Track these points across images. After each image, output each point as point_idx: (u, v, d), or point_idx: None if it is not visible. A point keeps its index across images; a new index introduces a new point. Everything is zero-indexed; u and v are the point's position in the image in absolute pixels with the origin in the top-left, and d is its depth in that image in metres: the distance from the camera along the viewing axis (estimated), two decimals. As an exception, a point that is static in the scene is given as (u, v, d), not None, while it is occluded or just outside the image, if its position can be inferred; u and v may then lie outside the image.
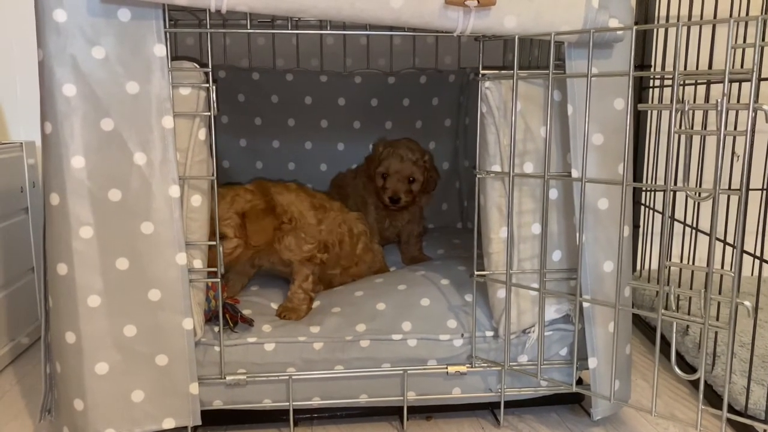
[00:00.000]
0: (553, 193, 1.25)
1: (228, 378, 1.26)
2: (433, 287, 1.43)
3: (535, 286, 1.24)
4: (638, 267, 1.96)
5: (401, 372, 1.29)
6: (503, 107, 1.22)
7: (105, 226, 1.14)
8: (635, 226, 1.94)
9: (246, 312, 1.38)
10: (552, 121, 1.19)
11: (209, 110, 1.18)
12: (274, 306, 1.44)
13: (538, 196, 1.24)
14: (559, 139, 1.24)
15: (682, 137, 1.14)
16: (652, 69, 1.88)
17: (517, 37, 1.14)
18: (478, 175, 1.26)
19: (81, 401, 1.18)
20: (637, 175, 1.92)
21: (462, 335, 1.31)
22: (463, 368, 1.29)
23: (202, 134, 1.19)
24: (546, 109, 1.19)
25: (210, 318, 1.31)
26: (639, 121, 1.94)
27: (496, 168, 1.24)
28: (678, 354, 1.61)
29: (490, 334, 1.32)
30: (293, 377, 1.27)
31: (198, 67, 1.18)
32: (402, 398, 1.30)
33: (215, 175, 1.22)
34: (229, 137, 1.97)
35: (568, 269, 1.27)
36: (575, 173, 1.18)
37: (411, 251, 1.81)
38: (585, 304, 1.22)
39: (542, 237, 1.22)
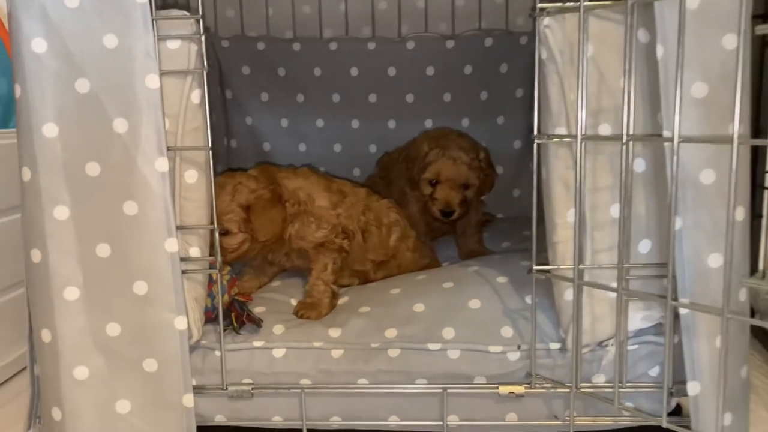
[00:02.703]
0: (639, 164, 1.02)
1: (230, 388, 1.11)
2: (485, 286, 1.23)
3: (615, 285, 1.01)
4: None
5: (440, 390, 1.11)
6: (569, 51, 0.99)
7: (82, 205, 1.03)
8: (758, 216, 1.59)
9: (259, 310, 1.23)
10: (635, 68, 0.95)
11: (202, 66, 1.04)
12: (295, 303, 1.29)
13: (618, 169, 1.00)
14: (646, 93, 1.00)
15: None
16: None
17: (583, -47, 0.89)
18: (536, 141, 1.04)
19: (59, 410, 1.07)
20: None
21: (519, 347, 1.12)
22: (519, 389, 1.10)
23: (195, 96, 1.06)
24: (626, 51, 0.94)
25: (215, 316, 1.15)
26: (764, 63, 1.54)
27: (561, 130, 1.02)
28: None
29: (555, 346, 1.12)
30: (306, 391, 1.12)
31: (188, 15, 1.02)
32: (441, 423, 1.12)
33: (212, 145, 1.06)
34: (269, 117, 1.89)
35: (660, 264, 1.03)
36: (667, 134, 0.92)
37: (468, 244, 1.61)
38: (682, 311, 0.97)
39: (621, 221, 0.98)
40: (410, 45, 1.81)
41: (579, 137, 0.98)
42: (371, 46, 1.81)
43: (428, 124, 1.80)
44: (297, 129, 1.88)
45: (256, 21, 1.87)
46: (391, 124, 1.85)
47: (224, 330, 1.12)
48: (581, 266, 1.03)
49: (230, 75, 1.82)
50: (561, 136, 1.02)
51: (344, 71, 1.82)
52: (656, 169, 1.02)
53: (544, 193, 1.08)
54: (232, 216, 1.19)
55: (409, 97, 1.83)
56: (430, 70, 1.81)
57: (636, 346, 1.09)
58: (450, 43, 1.81)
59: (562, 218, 1.05)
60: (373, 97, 1.84)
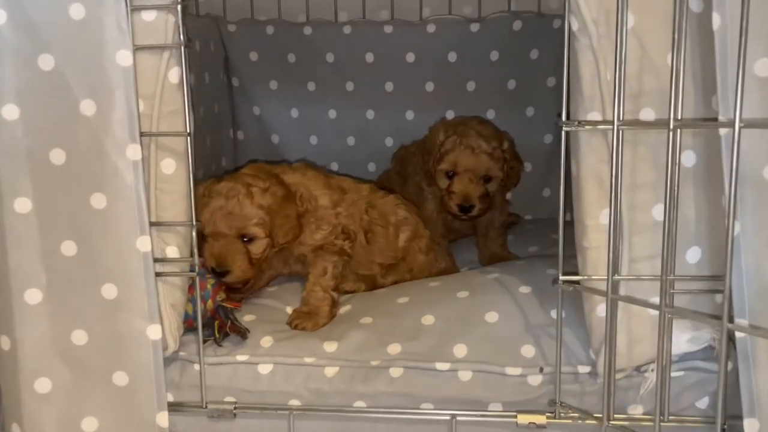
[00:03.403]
0: (689, 157, 0.91)
1: (209, 407, 1.03)
2: (505, 297, 1.13)
3: (656, 300, 0.90)
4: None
5: (449, 417, 1.02)
6: (605, 22, 0.88)
7: (47, 197, 0.96)
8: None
9: (248, 319, 1.13)
10: (685, 42, 0.82)
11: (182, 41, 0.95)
12: (291, 311, 1.19)
13: (662, 163, 0.88)
14: (698, 72, 0.88)
15: None
16: None
17: None
18: (565, 128, 0.92)
19: (18, 426, 1.00)
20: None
21: (541, 369, 1.03)
22: (541, 418, 1.01)
23: (173, 75, 0.97)
24: (675, 21, 0.82)
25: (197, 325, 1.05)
26: None
27: (595, 116, 0.91)
28: None
29: (584, 370, 1.02)
30: (295, 413, 1.03)
31: (165, -18, 0.93)
32: (449, 455, 1.03)
33: (191, 130, 0.97)
34: (278, 106, 1.80)
35: (712, 277, 0.94)
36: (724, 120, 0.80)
37: (491, 247, 1.49)
38: (738, 333, 0.85)
39: (665, 224, 0.86)
40: (431, 28, 1.70)
41: (616, 124, 0.86)
42: (388, 29, 1.71)
43: (450, 115, 1.69)
44: (308, 120, 1.80)
45: (267, 3, 1.80)
46: (409, 115, 1.75)
47: (205, 341, 1.03)
48: (616, 277, 0.93)
49: (237, 61, 1.74)
50: (595, 123, 0.91)
51: (359, 57, 1.72)
52: (709, 163, 0.90)
53: (574, 190, 0.98)
54: (257, 220, 1.10)
55: (429, 86, 1.74)
56: (452, 56, 1.72)
57: (681, 373, 1.00)
58: (475, 27, 1.70)
59: (594, 220, 0.95)
60: (389, 86, 1.75)
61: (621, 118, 0.86)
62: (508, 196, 1.61)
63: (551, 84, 1.73)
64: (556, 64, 1.69)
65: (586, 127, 0.91)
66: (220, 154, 1.67)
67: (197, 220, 0.98)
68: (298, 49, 1.74)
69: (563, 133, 0.92)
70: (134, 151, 0.93)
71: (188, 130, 0.96)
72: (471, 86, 1.72)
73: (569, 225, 1.03)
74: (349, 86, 1.75)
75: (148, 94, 0.95)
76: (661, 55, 0.88)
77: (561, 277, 0.96)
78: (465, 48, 1.70)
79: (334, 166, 1.78)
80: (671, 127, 0.80)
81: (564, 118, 0.92)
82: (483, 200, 1.38)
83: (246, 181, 1.13)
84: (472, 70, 1.72)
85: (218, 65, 1.68)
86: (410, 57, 1.71)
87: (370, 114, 1.77)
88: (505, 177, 1.41)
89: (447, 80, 1.72)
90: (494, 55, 1.71)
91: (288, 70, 1.76)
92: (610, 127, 0.87)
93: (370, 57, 1.72)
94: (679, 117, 0.82)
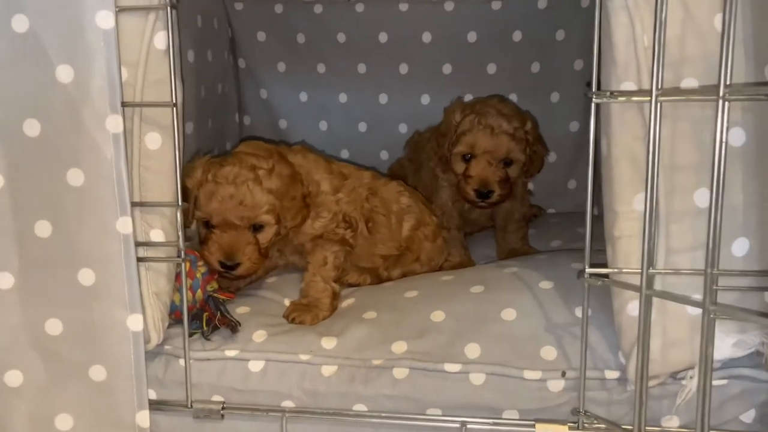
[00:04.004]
0: (738, 136, 0.82)
1: (195, 406, 0.96)
2: (525, 292, 1.05)
3: (698, 297, 0.79)
4: None
5: (458, 425, 0.95)
6: None
7: (19, 173, 0.91)
8: None
9: (242, 311, 1.06)
10: (737, 1, 0.72)
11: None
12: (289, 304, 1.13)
13: (706, 141, 0.80)
14: (749, 37, 0.79)
15: None
16: None
17: None
18: (595, 99, 0.83)
19: None
20: None
21: (564, 374, 0.95)
22: (563, 428, 0.93)
23: (160, 40, 0.89)
24: None
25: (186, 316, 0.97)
26: None
27: (630, 86, 0.82)
28: None
29: (613, 375, 0.94)
30: (288, 415, 0.96)
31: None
32: (458, 466, 0.95)
33: (178, 100, 0.90)
34: (286, 89, 1.74)
35: (762, 272, 0.85)
36: (783, 88, 0.71)
37: (510, 241, 1.40)
38: None
39: (710, 211, 0.76)
40: (449, 6, 1.63)
41: (654, 94, 0.76)
42: (403, 7, 1.63)
43: (468, 99, 1.59)
44: (317, 104, 1.73)
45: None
46: (425, 99, 1.69)
47: (192, 334, 0.96)
48: (651, 270, 0.83)
49: (243, 41, 1.68)
50: (630, 93, 0.81)
51: (372, 37, 1.66)
52: (761, 143, 0.81)
53: (604, 172, 0.89)
54: (268, 207, 1.02)
55: (447, 68, 1.67)
56: (471, 36, 1.65)
57: (724, 382, 0.91)
58: (496, 5, 1.63)
59: (627, 205, 0.86)
60: (404, 68, 1.68)
61: (660, 88, 0.76)
62: (530, 185, 1.52)
63: (578, 67, 1.64)
64: (582, 46, 1.61)
65: (620, 98, 0.81)
66: (224, 138, 1.60)
67: (183, 201, 0.91)
68: (307, 29, 1.68)
69: (593, 105, 0.84)
70: (115, 123, 0.86)
71: (174, 101, 0.88)
72: (491, 69, 1.65)
73: (597, 219, 0.94)
74: (361, 68, 1.69)
75: (132, 61, 0.88)
76: (707, 16, 0.79)
77: (588, 270, 0.87)
78: (485, 28, 1.63)
79: (345, 154, 1.71)
80: (721, 94, 0.70)
81: (594, 88, 0.82)
82: (503, 185, 1.28)
83: (250, 162, 1.05)
84: (493, 51, 1.64)
85: (222, 44, 1.61)
86: (426, 37, 1.64)
87: (384, 98, 1.70)
88: (528, 161, 1.31)
89: (466, 62, 1.65)
90: (517, 36, 1.63)
91: (297, 51, 1.70)
92: (648, 98, 0.77)
93: (383, 37, 1.65)
94: (727, 85, 0.72)
